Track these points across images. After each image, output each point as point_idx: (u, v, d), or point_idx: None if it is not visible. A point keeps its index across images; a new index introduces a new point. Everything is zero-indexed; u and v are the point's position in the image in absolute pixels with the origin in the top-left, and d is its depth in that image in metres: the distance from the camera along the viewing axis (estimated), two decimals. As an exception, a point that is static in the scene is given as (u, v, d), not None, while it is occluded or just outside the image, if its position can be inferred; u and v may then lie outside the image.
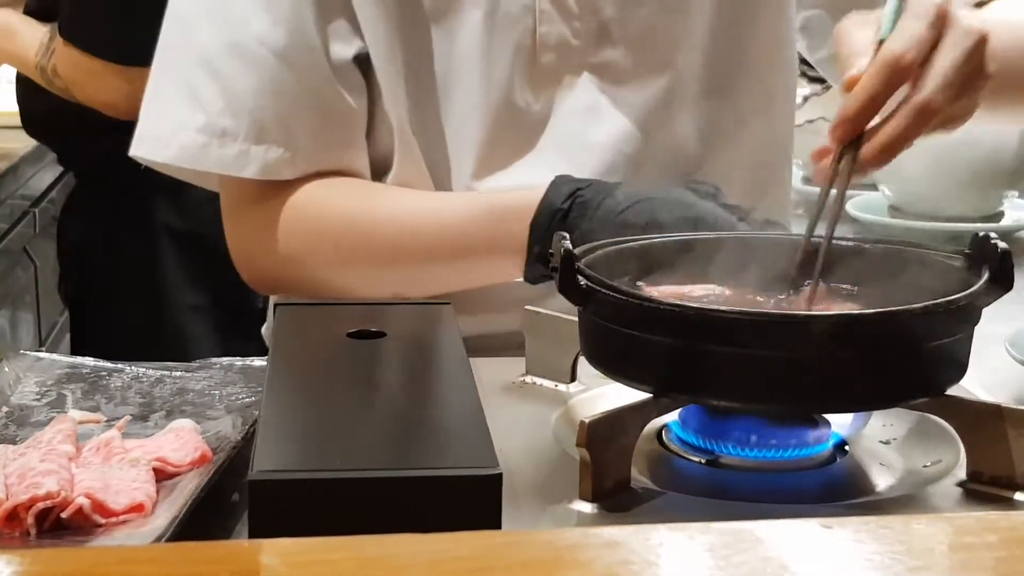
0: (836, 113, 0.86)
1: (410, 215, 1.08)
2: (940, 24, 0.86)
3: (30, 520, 0.72)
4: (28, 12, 1.98)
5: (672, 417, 0.84)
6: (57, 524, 0.72)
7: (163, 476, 0.78)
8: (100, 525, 0.73)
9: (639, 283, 0.87)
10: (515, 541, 0.58)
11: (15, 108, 2.15)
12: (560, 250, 0.80)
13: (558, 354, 0.93)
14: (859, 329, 0.76)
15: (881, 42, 0.86)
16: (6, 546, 0.71)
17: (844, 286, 0.88)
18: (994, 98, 0.94)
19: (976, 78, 0.88)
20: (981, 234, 0.83)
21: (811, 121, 1.77)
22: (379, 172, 1.13)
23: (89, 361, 0.98)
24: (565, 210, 1.00)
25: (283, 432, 0.72)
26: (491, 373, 0.94)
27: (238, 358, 0.99)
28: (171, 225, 1.85)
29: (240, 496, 0.78)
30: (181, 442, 0.81)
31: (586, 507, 0.75)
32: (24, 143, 2.31)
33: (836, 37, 0.89)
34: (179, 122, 1.08)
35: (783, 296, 0.87)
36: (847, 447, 0.84)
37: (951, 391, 0.80)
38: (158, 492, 0.76)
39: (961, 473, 0.79)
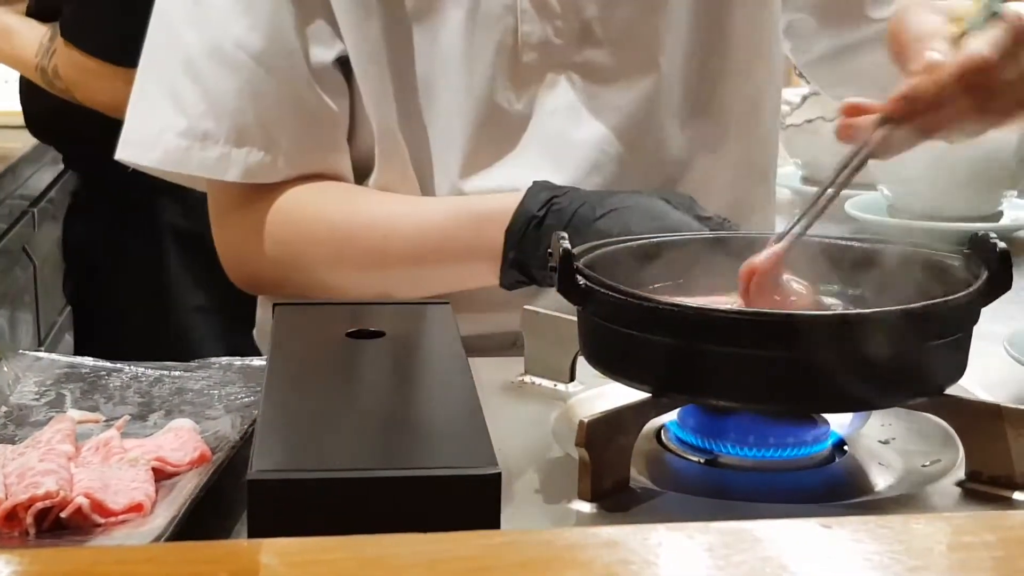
0: (902, 85, 0.85)
1: (391, 219, 1.08)
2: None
3: (29, 520, 0.72)
4: (30, 13, 1.98)
5: (671, 417, 0.84)
6: (56, 524, 0.72)
7: (162, 476, 0.78)
8: (99, 525, 0.73)
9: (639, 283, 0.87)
10: (514, 541, 0.58)
11: (14, 108, 2.15)
12: (559, 250, 0.80)
13: (557, 354, 0.93)
14: (858, 329, 0.76)
15: (965, 34, 0.86)
16: (5, 546, 0.71)
17: (846, 289, 0.88)
18: None
19: None
20: (980, 234, 0.83)
21: (810, 121, 1.77)
22: (361, 174, 1.13)
23: (88, 361, 0.98)
24: (541, 217, 1.01)
25: (282, 432, 0.72)
26: (490, 373, 0.94)
27: (237, 358, 0.99)
28: (175, 225, 1.85)
29: (238, 496, 0.78)
30: (180, 442, 0.81)
31: (585, 507, 0.76)
32: (23, 143, 2.31)
33: (897, 20, 0.89)
34: (162, 125, 1.09)
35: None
36: (846, 447, 0.84)
37: (950, 391, 0.80)
38: (157, 492, 0.76)
39: (960, 473, 0.80)
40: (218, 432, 0.84)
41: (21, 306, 2.40)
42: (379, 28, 1.08)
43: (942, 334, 0.78)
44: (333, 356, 0.85)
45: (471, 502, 0.66)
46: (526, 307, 0.95)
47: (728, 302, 0.86)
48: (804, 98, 1.84)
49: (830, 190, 0.86)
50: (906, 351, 0.77)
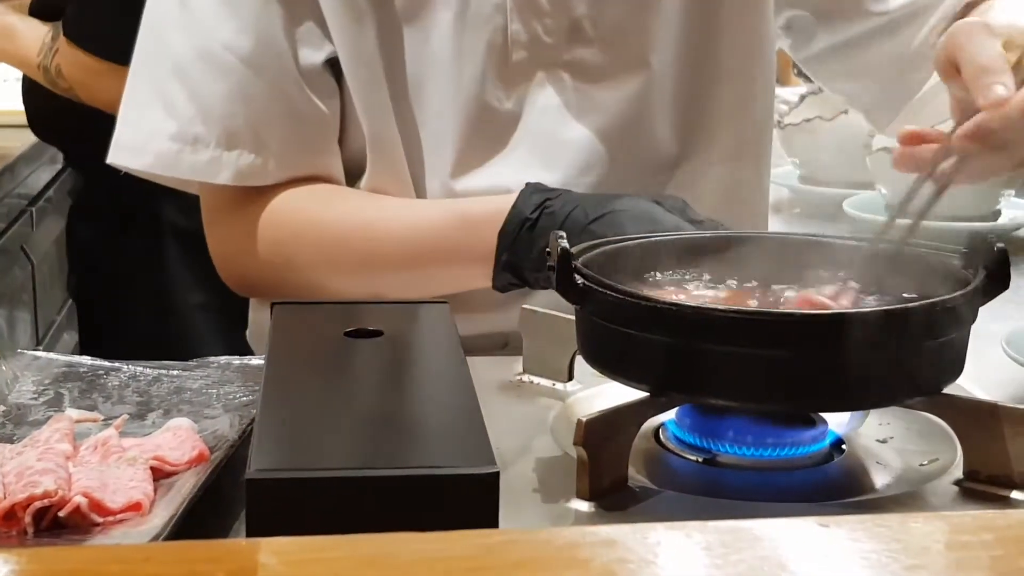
0: (975, 127, 0.85)
1: (383, 222, 1.09)
2: None
3: (27, 519, 0.72)
4: (32, 12, 1.98)
5: (669, 416, 0.84)
6: (54, 523, 0.72)
7: (160, 475, 0.78)
8: (97, 524, 0.73)
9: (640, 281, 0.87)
10: (512, 540, 0.58)
11: (12, 107, 2.16)
12: (557, 249, 0.80)
13: (555, 353, 0.93)
14: (856, 328, 0.76)
15: (1019, 61, 0.86)
16: (3, 545, 0.71)
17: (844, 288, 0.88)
18: None
19: None
20: (978, 233, 0.83)
21: (808, 120, 1.77)
22: (352, 175, 1.13)
23: (86, 360, 0.98)
24: (534, 220, 1.01)
25: (280, 431, 0.72)
26: (488, 372, 0.94)
27: (235, 357, 0.99)
28: (178, 224, 1.86)
29: (237, 495, 0.78)
30: (178, 441, 0.81)
31: (583, 506, 0.76)
32: (21, 142, 2.31)
33: (952, 41, 0.89)
34: (153, 129, 1.09)
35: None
36: (844, 446, 0.84)
37: (948, 390, 0.80)
38: (155, 491, 0.76)
39: (958, 471, 0.80)
40: (216, 431, 0.84)
41: (19, 305, 2.40)
42: (370, 30, 1.08)
43: (940, 333, 0.78)
44: (331, 355, 0.85)
45: (469, 501, 0.66)
46: (524, 306, 0.95)
47: (725, 301, 0.86)
48: (802, 97, 1.84)
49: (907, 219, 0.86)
50: (904, 350, 0.77)
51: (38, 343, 2.43)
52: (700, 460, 0.82)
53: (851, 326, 0.76)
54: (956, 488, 0.79)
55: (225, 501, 0.76)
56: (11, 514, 0.72)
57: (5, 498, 0.73)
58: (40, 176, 2.51)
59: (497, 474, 0.66)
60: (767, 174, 1.24)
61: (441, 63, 1.09)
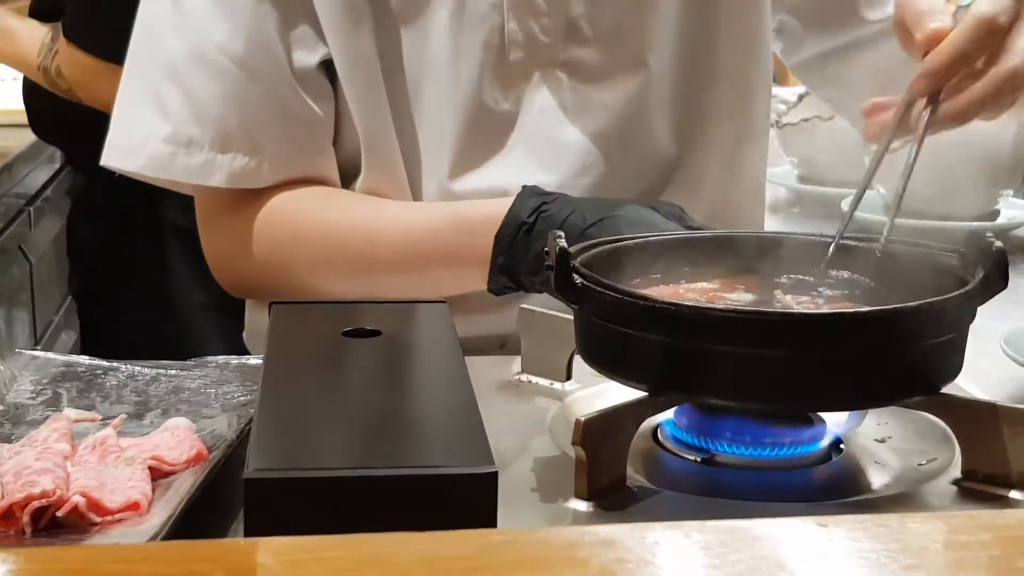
0: (921, 66, 0.85)
1: (379, 224, 1.09)
2: None
3: (25, 519, 0.72)
4: (31, 13, 1.98)
5: (668, 415, 0.84)
6: (52, 523, 0.72)
7: (159, 474, 0.78)
8: (95, 524, 0.72)
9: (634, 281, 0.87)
10: (511, 539, 0.58)
11: (10, 107, 2.15)
12: (555, 249, 0.80)
13: (554, 352, 0.93)
14: (854, 327, 0.76)
15: (960, 8, 0.86)
16: (1, 545, 0.71)
17: (843, 287, 0.88)
18: None
19: None
20: (977, 232, 0.83)
21: (806, 119, 1.77)
22: (346, 177, 1.13)
23: (84, 359, 0.98)
24: (531, 223, 1.01)
25: (278, 431, 0.72)
26: (487, 371, 0.94)
27: (234, 356, 0.99)
28: (179, 224, 1.86)
29: (235, 494, 0.78)
30: (177, 440, 0.81)
31: (582, 505, 0.76)
32: (19, 141, 2.31)
33: (898, 5, 0.89)
34: (147, 131, 1.09)
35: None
36: (842, 445, 0.84)
37: (946, 389, 0.80)
38: (153, 490, 0.76)
39: (956, 471, 0.80)
40: (215, 431, 0.84)
41: (17, 305, 2.40)
42: (367, 32, 1.08)
43: (938, 333, 0.78)
44: (329, 355, 0.85)
45: (468, 501, 0.66)
46: (522, 306, 0.95)
47: (723, 299, 0.86)
48: (800, 97, 1.84)
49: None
50: (902, 350, 0.77)
51: (36, 343, 2.43)
52: (698, 460, 0.82)
53: (849, 325, 0.76)
54: (955, 488, 0.79)
55: (223, 501, 0.76)
56: (9, 514, 0.72)
57: (3, 498, 0.73)
58: (38, 176, 2.51)
59: (495, 474, 0.66)
60: (764, 174, 1.24)
61: (438, 63, 1.09)
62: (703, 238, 0.92)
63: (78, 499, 0.72)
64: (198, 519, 0.73)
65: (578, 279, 0.80)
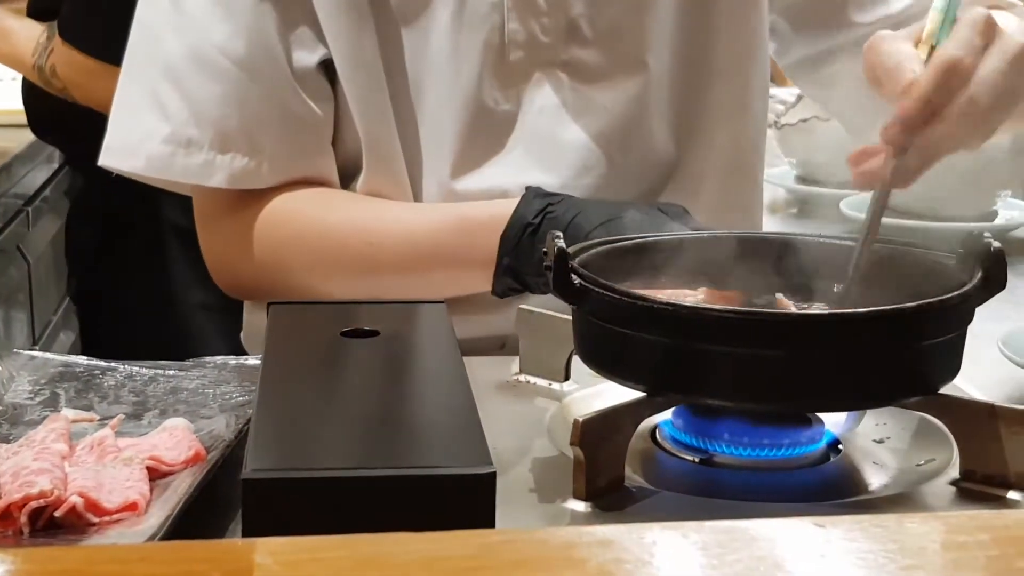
0: (893, 115, 0.86)
1: (381, 226, 1.09)
2: (989, 33, 0.87)
3: (23, 519, 0.71)
4: (29, 13, 1.98)
5: (666, 416, 0.84)
6: (50, 523, 0.72)
7: (156, 475, 0.78)
8: (93, 524, 0.72)
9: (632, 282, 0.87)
10: (509, 540, 0.58)
11: (8, 107, 2.15)
12: (554, 249, 0.80)
13: (552, 352, 0.93)
14: (853, 328, 0.76)
15: (932, 48, 0.87)
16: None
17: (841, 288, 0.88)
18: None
19: (1016, 90, 0.89)
20: (975, 233, 0.83)
21: (804, 120, 1.77)
22: (346, 177, 1.13)
23: (82, 360, 0.98)
24: (536, 225, 1.01)
25: (276, 431, 0.72)
26: (485, 372, 0.94)
27: (232, 357, 0.99)
28: (179, 223, 1.86)
29: (233, 495, 0.78)
30: (175, 441, 0.81)
31: (580, 506, 0.76)
32: (17, 141, 2.31)
33: (869, 51, 0.90)
34: (146, 132, 1.09)
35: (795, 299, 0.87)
36: (840, 446, 0.84)
37: (944, 390, 0.80)
38: (151, 491, 0.76)
39: (954, 472, 0.80)
40: (213, 431, 0.84)
41: (15, 305, 2.39)
42: (369, 32, 1.08)
43: (936, 334, 0.78)
44: (328, 355, 0.85)
45: (466, 501, 0.66)
46: (521, 306, 0.95)
47: (724, 300, 0.86)
48: (799, 97, 1.84)
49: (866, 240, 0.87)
50: (900, 350, 0.77)
51: (34, 343, 2.43)
52: (696, 460, 0.82)
53: (848, 326, 0.76)
54: (953, 488, 0.79)
55: (221, 501, 0.76)
56: (7, 514, 0.72)
57: (1, 498, 0.73)
58: (36, 176, 2.51)
59: (493, 474, 0.66)
60: (762, 174, 1.24)
61: (438, 63, 1.09)
62: (702, 238, 0.92)
63: (76, 499, 0.72)
64: (196, 519, 0.73)
65: (576, 279, 0.80)
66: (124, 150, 1.11)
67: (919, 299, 0.78)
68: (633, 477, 0.79)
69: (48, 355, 0.99)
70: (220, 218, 1.14)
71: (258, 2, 1.07)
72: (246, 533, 0.64)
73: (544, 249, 0.82)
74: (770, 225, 1.60)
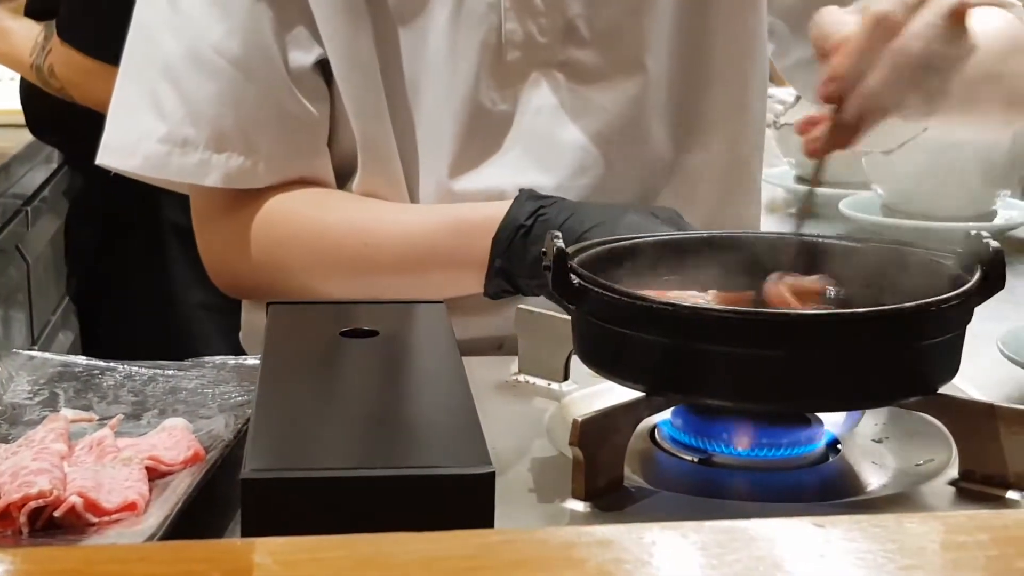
0: (825, 72, 0.86)
1: (377, 226, 1.09)
2: None
3: (22, 519, 0.71)
4: (27, 12, 1.98)
5: (665, 416, 0.84)
6: (49, 523, 0.72)
7: (156, 475, 0.78)
8: (92, 524, 0.72)
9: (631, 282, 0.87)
10: (508, 540, 0.58)
11: (6, 107, 2.15)
12: (553, 249, 0.80)
13: (551, 352, 0.93)
14: (852, 328, 0.76)
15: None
16: (-2, 545, 0.71)
17: (840, 288, 0.88)
18: (968, 92, 0.95)
19: (957, 44, 0.88)
20: (973, 233, 0.83)
21: (804, 120, 1.76)
22: (341, 177, 1.13)
23: (81, 360, 0.98)
24: (528, 227, 1.01)
25: (275, 431, 0.72)
26: (484, 372, 0.94)
27: (231, 356, 0.99)
28: (179, 223, 1.85)
29: (232, 495, 0.78)
30: (174, 441, 0.81)
31: (579, 506, 0.76)
32: (16, 141, 2.31)
33: (812, 26, 0.90)
34: (143, 131, 1.10)
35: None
36: (839, 446, 0.84)
37: (943, 390, 0.80)
38: (151, 491, 0.76)
39: (953, 472, 0.80)
40: (212, 431, 0.84)
41: (15, 305, 2.39)
42: (365, 32, 1.08)
43: (936, 333, 0.78)
44: (327, 355, 0.85)
45: (465, 501, 0.66)
46: (520, 306, 0.95)
47: (717, 300, 0.86)
48: (798, 98, 1.84)
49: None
50: (899, 350, 0.77)
51: (33, 343, 2.43)
52: (696, 460, 0.82)
53: (847, 326, 0.76)
54: (952, 488, 0.79)
55: (220, 501, 0.76)
56: (6, 514, 0.72)
57: (0, 498, 0.73)
58: (35, 176, 2.51)
59: (493, 474, 0.66)
60: (760, 174, 1.24)
61: (435, 63, 1.09)
62: (700, 239, 0.92)
63: (75, 499, 0.72)
64: (195, 519, 0.73)
65: (575, 279, 0.80)
66: (121, 149, 1.11)
67: (919, 299, 0.78)
68: (632, 477, 0.79)
69: (47, 355, 0.99)
70: (217, 218, 1.14)
71: (254, 2, 1.07)
72: (245, 533, 0.64)
73: (543, 249, 0.82)
74: (769, 225, 1.60)
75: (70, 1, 1.88)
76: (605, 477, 0.77)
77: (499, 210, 1.03)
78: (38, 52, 1.90)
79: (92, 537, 0.72)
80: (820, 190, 1.76)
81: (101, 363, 0.97)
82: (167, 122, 1.08)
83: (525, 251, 1.01)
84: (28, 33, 1.93)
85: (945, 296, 0.78)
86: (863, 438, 0.85)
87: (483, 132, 1.10)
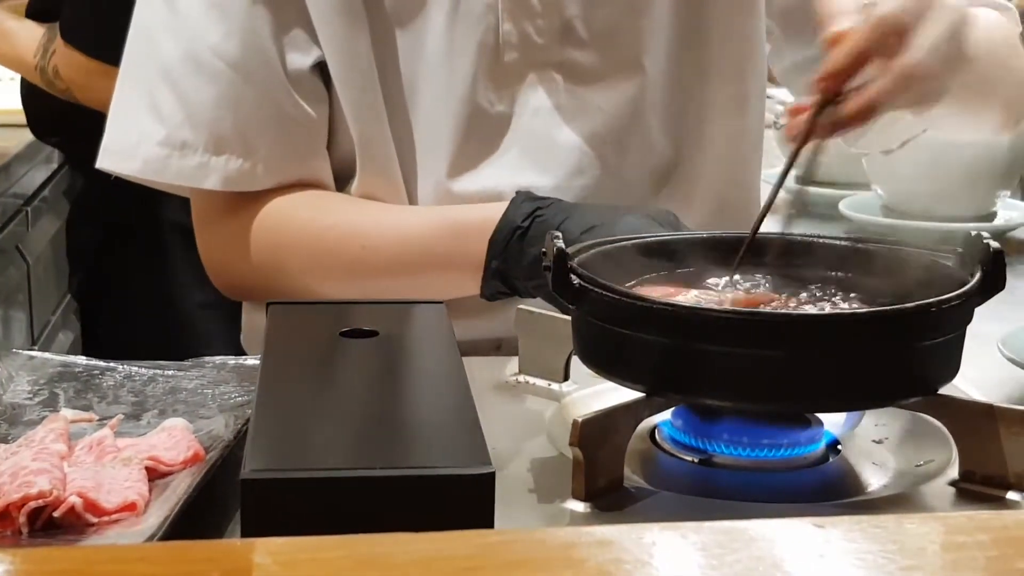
0: (823, 66, 0.86)
1: (375, 228, 1.09)
2: None
3: (22, 519, 0.71)
4: (29, 15, 1.99)
5: (665, 416, 0.84)
6: (49, 523, 0.72)
7: (155, 475, 0.78)
8: (92, 524, 0.72)
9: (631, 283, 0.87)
10: (508, 540, 0.58)
11: (6, 107, 2.15)
12: (553, 249, 0.80)
13: (551, 353, 0.93)
14: (852, 328, 0.76)
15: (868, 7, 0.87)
16: (-2, 545, 0.71)
17: (840, 288, 0.88)
18: (966, 95, 0.95)
19: (956, 56, 0.88)
20: (974, 234, 0.83)
21: (804, 120, 1.76)
22: (341, 179, 1.13)
23: (81, 360, 0.98)
24: (525, 228, 1.01)
25: (275, 431, 0.71)
26: (484, 372, 0.94)
27: (231, 356, 0.99)
28: (180, 223, 1.86)
29: (232, 495, 0.78)
30: (173, 441, 0.81)
31: (579, 506, 0.76)
32: (16, 141, 2.31)
33: (816, 2, 0.90)
34: (142, 134, 1.10)
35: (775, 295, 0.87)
36: (839, 446, 0.84)
37: (944, 390, 0.80)
38: (150, 491, 0.76)
39: (953, 472, 0.80)
40: (212, 431, 0.84)
41: (14, 305, 2.39)
42: (363, 34, 1.08)
43: (936, 334, 0.78)
44: (327, 355, 0.85)
45: (465, 501, 0.66)
46: (520, 307, 0.95)
47: (717, 301, 0.86)
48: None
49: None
50: (900, 351, 0.77)
51: (33, 343, 2.43)
52: (696, 460, 0.82)
53: (847, 326, 0.76)
54: (952, 489, 0.79)
55: (220, 501, 0.76)
56: (6, 514, 0.72)
57: (0, 498, 0.73)
58: (35, 176, 2.51)
59: (493, 474, 0.66)
60: (759, 175, 1.24)
61: (433, 64, 1.09)
62: (700, 239, 0.92)
63: (75, 500, 0.72)
64: (195, 520, 0.73)
65: (575, 279, 0.80)
66: (121, 153, 1.11)
67: (919, 299, 0.78)
68: (632, 477, 0.79)
69: (47, 355, 0.99)
70: (217, 220, 1.14)
71: (252, 4, 1.07)
72: (245, 533, 0.64)
73: (543, 249, 0.82)
74: (769, 225, 1.60)
75: (73, 3, 1.88)
76: (605, 477, 0.77)
77: (496, 212, 1.03)
78: (42, 54, 1.91)
79: (92, 537, 0.72)
80: (821, 191, 1.76)
81: (101, 363, 0.97)
82: (166, 125, 1.09)
83: (522, 253, 1.01)
84: (31, 35, 1.93)
85: (945, 296, 0.78)
86: (863, 438, 0.85)
87: (481, 133, 1.10)
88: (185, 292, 1.90)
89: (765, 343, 0.76)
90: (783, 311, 0.83)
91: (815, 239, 0.91)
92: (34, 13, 1.99)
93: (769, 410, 0.81)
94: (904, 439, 0.85)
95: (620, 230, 0.96)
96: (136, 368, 0.96)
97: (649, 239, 0.91)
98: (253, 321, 1.20)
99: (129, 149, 1.11)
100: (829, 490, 0.81)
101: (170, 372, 0.95)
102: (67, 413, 0.87)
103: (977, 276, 0.81)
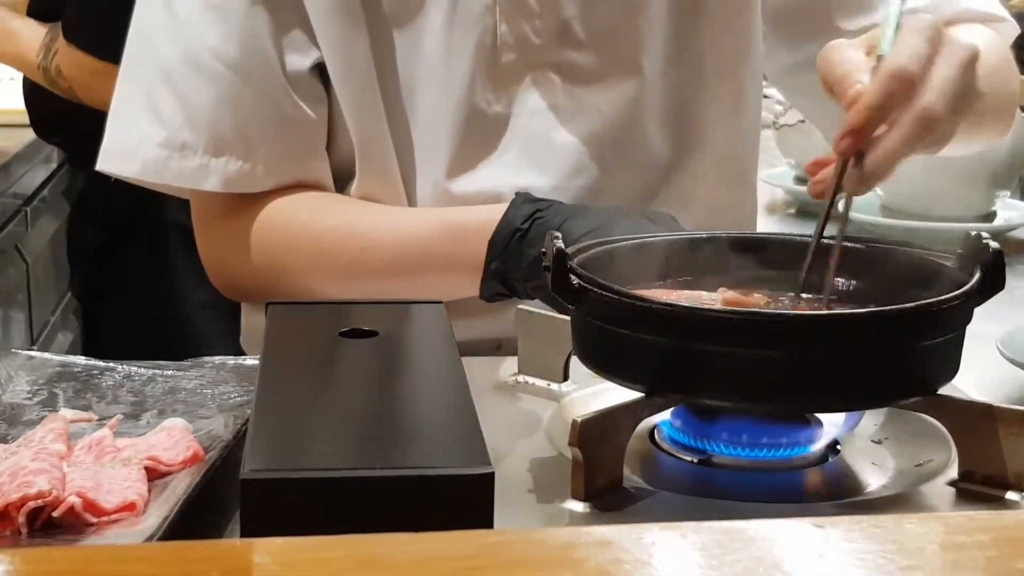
0: (840, 126, 0.86)
1: (375, 230, 1.09)
2: (937, 40, 0.87)
3: (21, 519, 0.71)
4: (30, 14, 1.99)
5: (664, 416, 0.84)
6: (48, 523, 0.72)
7: (155, 475, 0.78)
8: (91, 524, 0.72)
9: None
10: (507, 540, 0.58)
11: (6, 107, 2.15)
12: (553, 249, 0.80)
13: (551, 353, 0.93)
14: (851, 329, 0.76)
15: (880, 58, 0.87)
16: (-3, 545, 0.71)
17: (840, 288, 0.88)
18: (976, 121, 0.95)
19: (970, 94, 0.89)
20: (973, 234, 0.83)
21: (803, 121, 1.77)
22: (340, 180, 1.13)
23: (81, 360, 0.98)
24: (525, 230, 1.01)
25: (275, 431, 0.71)
26: (484, 372, 0.94)
27: (230, 356, 0.99)
28: (180, 222, 1.86)
29: (231, 495, 0.78)
30: (173, 441, 0.81)
31: (578, 506, 0.76)
32: (16, 141, 2.31)
33: (822, 60, 0.89)
34: (142, 136, 1.10)
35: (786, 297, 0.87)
36: (839, 446, 0.84)
37: (943, 391, 0.80)
38: (150, 491, 0.76)
39: (953, 472, 0.80)
40: (211, 431, 0.84)
41: (14, 305, 2.39)
42: (361, 35, 1.08)
43: (935, 334, 0.78)
44: (326, 355, 0.85)
45: (464, 501, 0.66)
46: (520, 307, 0.95)
47: (716, 300, 0.86)
48: (797, 98, 1.83)
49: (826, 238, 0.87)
50: (899, 351, 0.77)
51: (32, 343, 2.43)
52: (695, 461, 0.82)
53: (847, 326, 0.76)
54: (951, 489, 0.79)
55: (219, 501, 0.76)
56: (5, 514, 0.72)
57: (-1, 498, 0.73)
58: (35, 176, 2.51)
59: (492, 474, 0.66)
60: (755, 175, 1.24)
61: (431, 65, 1.09)
62: (700, 239, 0.92)
63: (74, 499, 0.72)
64: (194, 520, 0.73)
65: (575, 280, 0.80)
66: (121, 155, 1.11)
67: (918, 300, 0.78)
68: (632, 477, 0.79)
69: (46, 355, 0.99)
70: (217, 222, 1.14)
71: (251, 6, 1.07)
72: (244, 533, 0.64)
73: (543, 250, 0.82)
74: (768, 226, 1.60)
75: (75, 2, 1.88)
76: (604, 477, 0.77)
77: (495, 213, 1.03)
78: (44, 53, 1.91)
79: (91, 537, 0.72)
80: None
81: (100, 363, 0.97)
82: (165, 127, 1.09)
83: (521, 254, 1.01)
84: (34, 34, 1.93)
85: (945, 296, 0.78)
86: (863, 438, 0.85)
87: (479, 134, 1.10)
88: (185, 292, 1.90)
89: (765, 343, 0.76)
90: (783, 311, 0.83)
91: (810, 240, 0.91)
92: (36, 12, 1.99)
93: (769, 410, 0.81)
94: (904, 439, 0.85)
95: (619, 233, 0.96)
96: (135, 368, 0.96)
97: (648, 239, 0.91)
98: (253, 321, 1.20)
99: (129, 151, 1.11)
100: (828, 490, 0.81)
101: (169, 372, 0.95)
102: (66, 413, 0.87)
103: (977, 276, 0.81)
